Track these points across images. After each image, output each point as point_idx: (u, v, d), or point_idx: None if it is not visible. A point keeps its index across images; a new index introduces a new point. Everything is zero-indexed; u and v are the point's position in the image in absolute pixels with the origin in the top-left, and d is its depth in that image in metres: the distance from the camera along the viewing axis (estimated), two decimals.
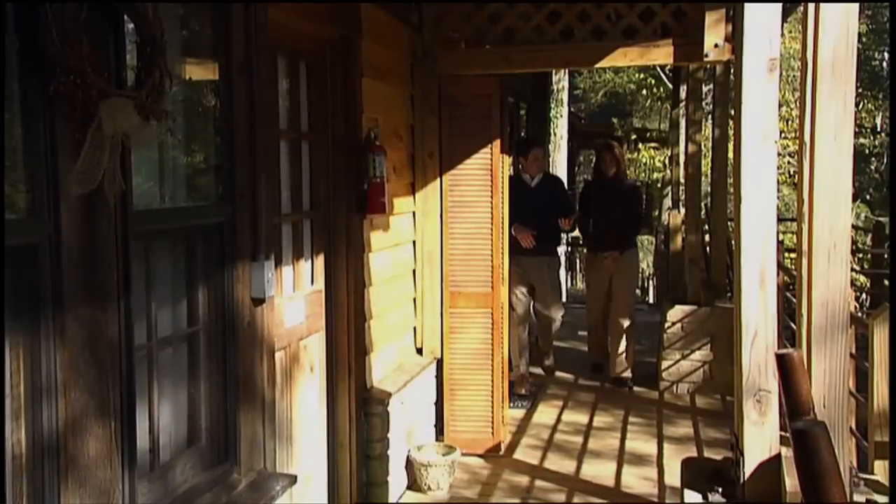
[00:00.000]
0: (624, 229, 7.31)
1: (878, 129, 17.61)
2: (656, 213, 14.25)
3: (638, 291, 7.91)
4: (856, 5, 2.49)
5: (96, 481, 2.29)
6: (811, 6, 2.53)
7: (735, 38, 4.46)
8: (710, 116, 9.09)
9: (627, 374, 7.26)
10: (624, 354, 7.20)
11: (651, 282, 11.69)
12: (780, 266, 4.22)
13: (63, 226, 2.19)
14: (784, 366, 1.98)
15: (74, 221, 2.23)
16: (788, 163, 12.46)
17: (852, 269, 2.62)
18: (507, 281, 5.87)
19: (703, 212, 8.40)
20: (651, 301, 12.05)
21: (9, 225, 2.12)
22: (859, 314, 4.71)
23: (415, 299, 5.34)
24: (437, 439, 5.40)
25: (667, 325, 7.23)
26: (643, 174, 14.65)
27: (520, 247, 6.66)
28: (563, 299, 8.37)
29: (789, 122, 12.74)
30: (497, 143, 5.34)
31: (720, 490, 2.70)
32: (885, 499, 2.61)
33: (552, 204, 6.92)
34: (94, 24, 2.21)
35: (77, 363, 2.23)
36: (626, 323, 7.16)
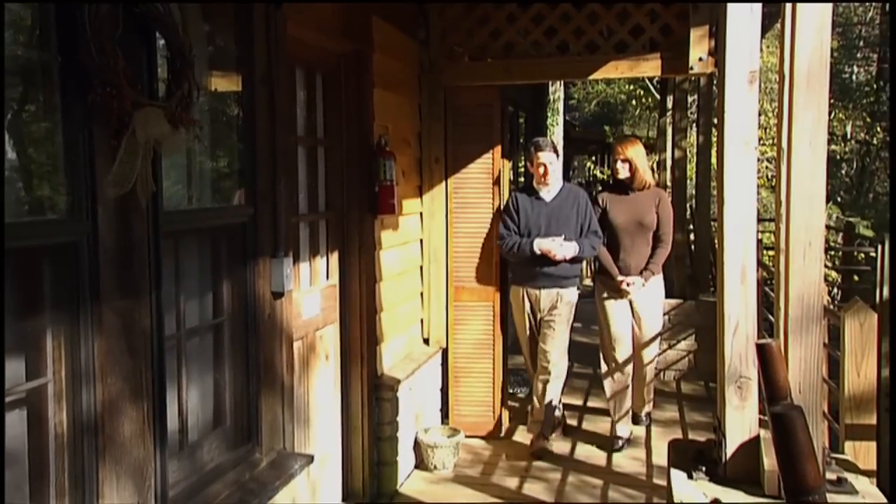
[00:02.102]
0: (648, 248, 5.36)
1: (849, 137, 17.59)
2: None
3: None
4: (829, 22, 2.49)
5: (131, 459, 2.30)
6: (788, 23, 2.53)
7: (718, 53, 4.48)
8: (694, 124, 9.08)
9: (649, 407, 5.89)
10: (647, 391, 5.79)
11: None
12: (760, 263, 4.23)
13: (100, 225, 2.20)
14: (763, 355, 1.98)
15: (110, 221, 2.24)
16: (766, 167, 12.42)
17: (825, 266, 2.62)
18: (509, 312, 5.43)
19: (688, 212, 8.40)
20: None
21: (51, 225, 2.14)
22: (832, 307, 4.72)
23: (422, 293, 5.34)
24: (442, 422, 5.40)
25: None
26: None
27: (524, 274, 5.21)
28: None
29: (767, 130, 12.70)
30: (498, 148, 5.35)
31: (704, 469, 2.70)
32: (853, 476, 2.61)
33: (571, 224, 5.17)
34: (129, 40, 2.22)
35: (113, 351, 2.24)
36: (647, 358, 5.58)
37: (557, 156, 5.31)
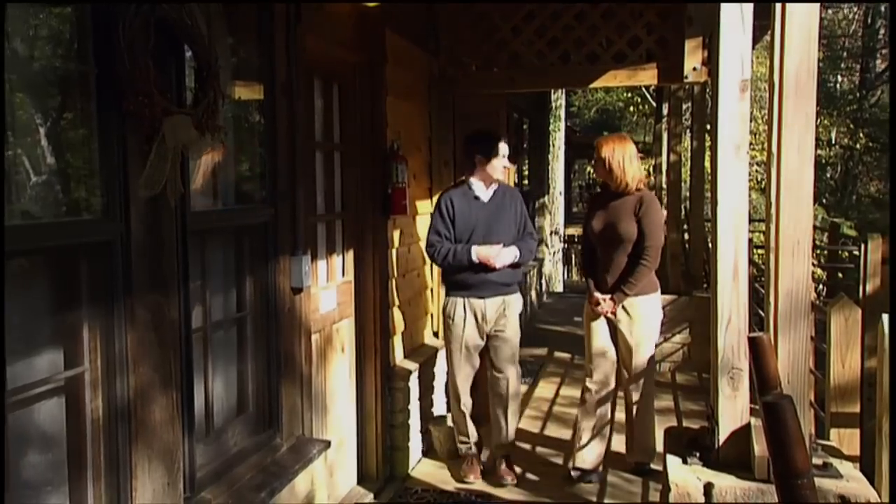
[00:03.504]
0: (626, 265, 4.29)
1: (833, 142, 17.56)
2: None
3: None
4: (816, 35, 2.49)
5: (161, 443, 2.32)
6: (777, 35, 2.53)
7: (711, 63, 4.47)
8: (688, 130, 9.05)
9: (646, 457, 4.54)
10: (639, 433, 4.55)
11: None
12: (751, 261, 4.21)
13: (132, 225, 2.21)
14: (755, 347, 1.99)
15: (142, 221, 2.25)
16: (756, 171, 12.39)
17: (812, 264, 2.62)
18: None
19: (682, 213, 8.38)
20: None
21: (87, 224, 2.15)
22: (818, 303, 4.70)
23: (431, 289, 5.34)
24: (448, 411, 5.39)
25: None
26: None
27: (464, 283, 4.38)
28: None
29: (757, 136, 12.68)
30: None
31: (698, 455, 2.70)
32: (838, 461, 2.61)
33: (510, 223, 4.46)
34: (160, 52, 2.23)
35: (144, 342, 2.25)
36: (635, 395, 4.44)
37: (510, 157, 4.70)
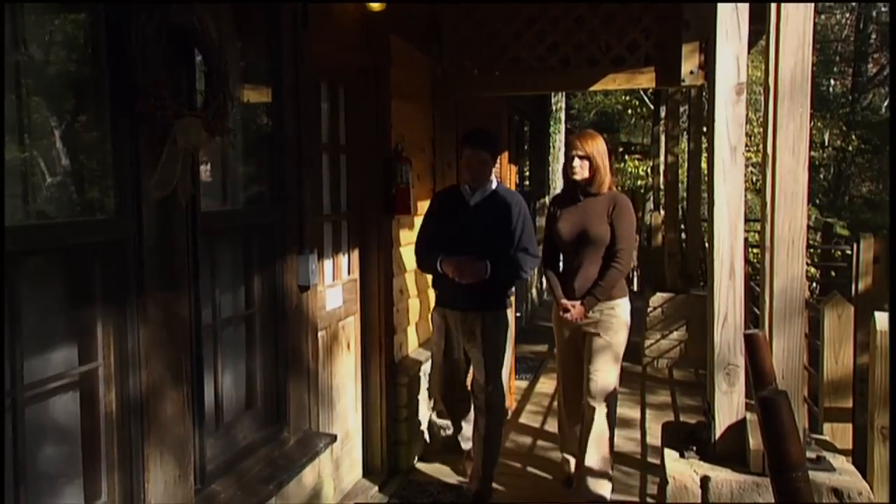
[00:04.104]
0: (597, 268, 3.90)
1: (826, 144, 17.55)
2: (640, 214, 14.21)
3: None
4: (810, 39, 2.49)
5: (173, 436, 2.32)
6: (773, 40, 2.53)
7: (707, 66, 4.47)
8: (685, 132, 9.05)
9: (603, 489, 3.94)
10: (594, 456, 3.92)
11: (635, 273, 11.63)
12: (746, 260, 4.21)
13: (145, 225, 2.21)
14: (751, 344, 1.99)
15: (154, 221, 2.25)
16: (751, 172, 12.38)
17: (806, 263, 2.62)
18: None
19: (679, 213, 8.38)
20: (635, 289, 12.01)
21: (101, 224, 2.16)
22: (812, 300, 4.70)
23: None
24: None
25: (649, 309, 7.23)
26: (629, 181, 14.58)
27: (444, 294, 4.12)
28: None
29: (752, 138, 12.66)
30: (505, 154, 5.35)
31: (694, 448, 2.70)
32: (831, 454, 2.62)
33: (498, 233, 3.98)
34: (171, 56, 2.24)
35: (156, 339, 2.26)
36: (598, 409, 3.88)
37: (494, 152, 4.12)
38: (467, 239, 3.94)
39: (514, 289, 4.18)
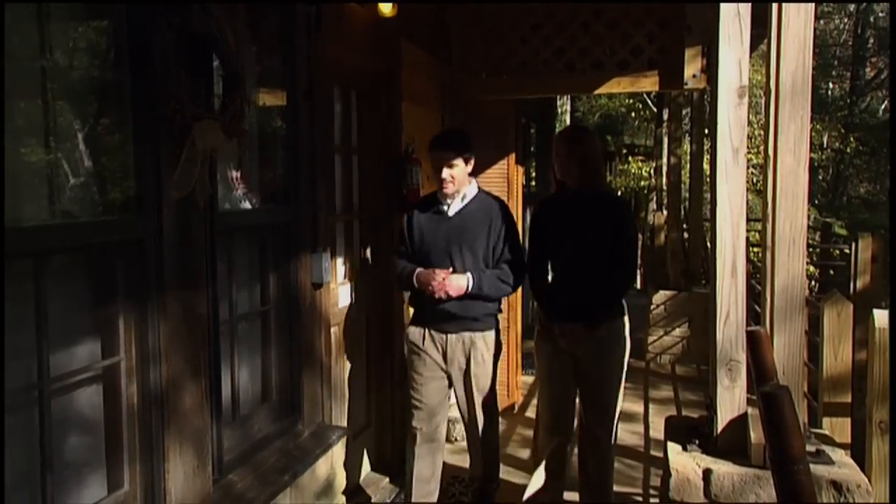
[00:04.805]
0: (599, 284, 3.38)
1: (825, 146, 17.49)
2: (643, 214, 14.18)
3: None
4: (811, 43, 2.49)
5: (191, 428, 2.33)
6: (774, 44, 2.53)
7: (709, 70, 4.46)
8: (688, 134, 9.03)
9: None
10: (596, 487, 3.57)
11: (638, 271, 11.63)
12: (747, 258, 4.20)
13: (164, 224, 2.22)
14: (753, 340, 1.99)
15: (173, 220, 2.26)
16: (752, 173, 12.35)
17: (806, 262, 2.61)
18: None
19: (682, 213, 8.37)
20: (638, 287, 12.00)
21: (122, 224, 2.17)
22: (812, 298, 4.69)
23: None
24: None
25: (652, 306, 7.23)
26: (632, 182, 14.55)
27: (426, 313, 3.50)
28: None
29: (752, 140, 12.63)
30: (512, 156, 5.36)
31: (697, 442, 2.70)
32: (830, 448, 2.61)
33: (482, 243, 3.45)
34: (191, 60, 2.25)
35: (175, 334, 2.27)
36: (602, 441, 3.50)
37: (467, 156, 3.48)
38: (447, 251, 3.42)
39: (501, 307, 3.64)
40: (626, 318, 3.51)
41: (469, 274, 3.37)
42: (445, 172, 3.41)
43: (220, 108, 2.43)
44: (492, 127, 5.35)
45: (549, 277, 3.62)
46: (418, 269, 3.42)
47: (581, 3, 4.95)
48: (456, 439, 4.87)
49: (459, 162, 3.43)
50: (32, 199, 1.91)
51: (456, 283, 3.36)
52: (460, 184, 3.45)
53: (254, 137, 2.93)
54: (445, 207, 3.49)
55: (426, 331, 3.50)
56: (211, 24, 2.30)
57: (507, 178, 5.35)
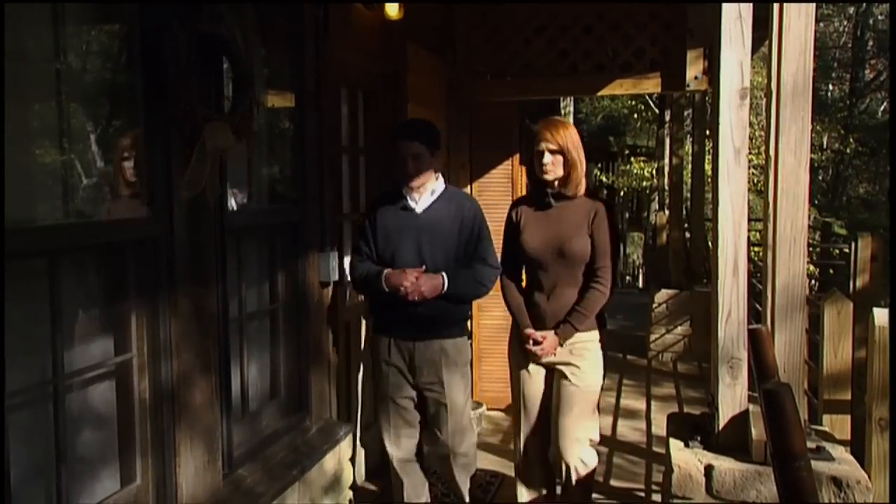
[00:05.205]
0: (575, 290, 3.02)
1: (824, 147, 17.46)
2: (645, 214, 14.17)
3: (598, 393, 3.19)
4: (811, 45, 2.48)
5: (202, 423, 2.34)
6: (775, 46, 2.52)
7: (711, 72, 4.44)
8: (689, 135, 9.01)
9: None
10: None
11: (641, 270, 11.60)
12: (748, 258, 4.19)
13: (176, 223, 2.23)
14: (754, 338, 1.98)
15: (184, 220, 2.27)
16: (753, 174, 12.33)
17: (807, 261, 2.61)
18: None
19: (683, 213, 8.35)
20: (641, 286, 11.99)
21: (136, 223, 2.18)
22: (812, 297, 4.67)
23: None
24: None
25: (654, 305, 7.21)
26: (635, 182, 14.53)
27: (390, 318, 3.11)
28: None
29: (753, 141, 12.61)
30: (516, 156, 5.35)
31: (699, 438, 2.69)
32: (830, 444, 2.60)
33: (452, 242, 3.10)
34: (201, 63, 2.25)
35: (186, 331, 2.28)
36: (576, 466, 3.06)
37: (431, 145, 3.09)
38: (417, 250, 3.06)
39: (470, 312, 3.17)
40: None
41: (444, 273, 3.02)
42: (411, 164, 3.05)
43: (229, 109, 2.44)
44: (496, 128, 5.34)
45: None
46: (387, 270, 3.02)
47: (584, 5, 4.94)
48: None
49: (424, 152, 3.06)
50: (47, 199, 1.92)
51: (431, 282, 2.98)
52: (427, 177, 3.10)
53: (263, 138, 2.93)
54: (413, 204, 3.10)
55: (391, 340, 3.10)
56: (221, 28, 2.31)
57: (510, 178, 5.35)
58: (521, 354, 3.14)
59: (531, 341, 3.03)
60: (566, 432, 3.06)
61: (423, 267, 3.01)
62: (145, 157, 2.17)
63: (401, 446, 3.19)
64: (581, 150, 3.02)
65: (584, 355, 3.06)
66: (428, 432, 3.20)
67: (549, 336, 3.01)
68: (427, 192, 3.12)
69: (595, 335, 3.09)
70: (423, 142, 3.07)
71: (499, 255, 3.24)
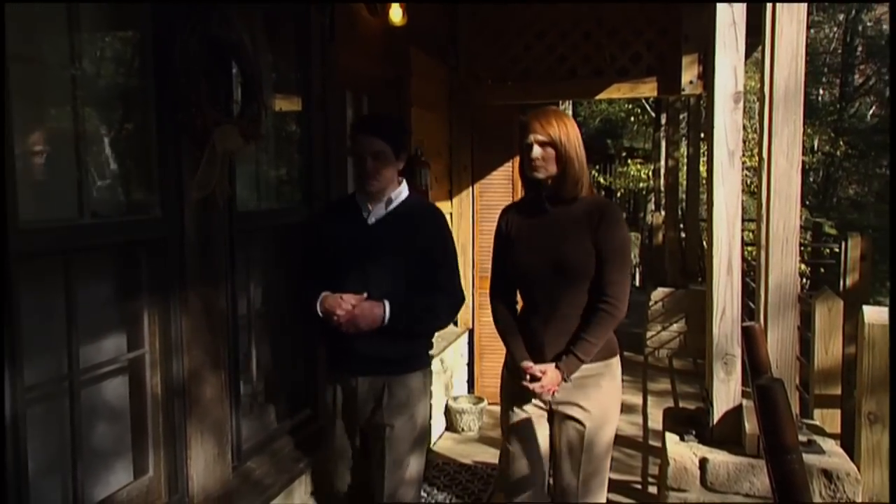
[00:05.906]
0: (578, 313, 2.38)
1: (815, 149, 17.47)
2: (642, 214, 14.16)
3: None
4: (803, 51, 2.48)
5: (212, 418, 2.34)
6: (768, 51, 2.52)
7: (706, 76, 4.45)
8: (685, 138, 9.02)
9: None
10: None
11: (637, 269, 11.60)
12: (742, 257, 4.19)
13: (186, 223, 2.23)
14: (748, 335, 1.98)
15: (194, 220, 2.26)
16: (746, 175, 12.33)
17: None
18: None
19: (679, 213, 8.35)
20: (637, 285, 11.97)
21: (147, 223, 2.18)
22: (803, 295, 4.68)
23: None
24: (469, 392, 5.41)
25: (651, 303, 7.22)
26: (632, 184, 14.52)
27: (331, 353, 2.59)
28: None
29: (747, 143, 12.61)
30: (517, 158, 5.34)
31: (694, 432, 2.70)
32: (821, 438, 2.61)
33: (407, 263, 2.45)
34: (211, 68, 2.25)
35: (197, 328, 2.27)
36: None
37: (396, 145, 2.51)
38: (362, 269, 2.45)
39: (432, 343, 2.68)
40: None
41: (386, 302, 2.40)
42: (370, 164, 2.45)
43: (238, 113, 2.43)
44: (497, 131, 5.35)
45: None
46: (323, 294, 2.45)
47: (583, 10, 4.95)
48: (463, 429, 4.88)
49: (387, 150, 2.47)
50: (62, 200, 1.92)
51: (369, 312, 2.38)
52: (387, 182, 2.49)
53: (270, 141, 2.93)
54: (365, 214, 2.51)
55: (335, 386, 2.55)
56: (231, 33, 2.31)
57: (511, 180, 5.36)
58: (515, 392, 2.49)
59: (528, 377, 2.38)
60: (568, 493, 2.44)
61: (366, 294, 2.40)
62: (157, 159, 2.17)
63: (343, 461, 2.58)
64: (580, 144, 2.41)
65: (592, 394, 2.41)
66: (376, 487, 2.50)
67: (550, 370, 2.36)
68: (384, 200, 2.51)
69: (607, 366, 2.43)
70: (386, 139, 2.47)
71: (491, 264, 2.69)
